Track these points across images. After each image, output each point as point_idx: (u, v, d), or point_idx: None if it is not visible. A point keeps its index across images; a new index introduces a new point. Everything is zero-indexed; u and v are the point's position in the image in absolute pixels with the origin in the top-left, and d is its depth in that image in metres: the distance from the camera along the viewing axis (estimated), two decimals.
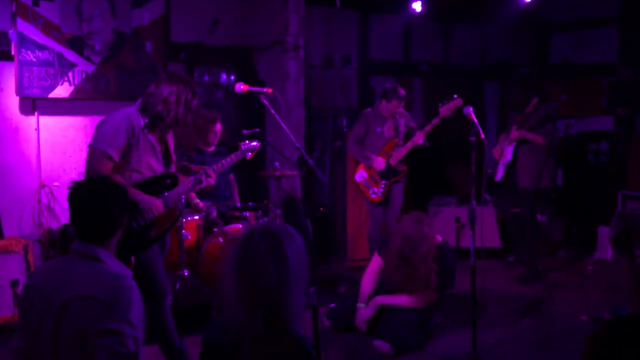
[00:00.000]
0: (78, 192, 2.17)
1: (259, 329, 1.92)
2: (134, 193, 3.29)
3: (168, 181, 3.46)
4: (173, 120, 3.36)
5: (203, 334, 2.08)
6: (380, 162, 5.36)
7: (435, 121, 5.17)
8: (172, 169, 3.59)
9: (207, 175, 3.58)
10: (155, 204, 3.34)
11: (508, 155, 5.51)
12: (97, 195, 2.16)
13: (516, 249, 6.16)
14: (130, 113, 3.36)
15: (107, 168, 3.26)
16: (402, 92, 5.33)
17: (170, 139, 3.58)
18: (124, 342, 1.97)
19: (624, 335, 1.46)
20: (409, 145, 5.31)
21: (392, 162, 5.36)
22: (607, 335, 1.47)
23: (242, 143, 3.97)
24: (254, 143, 3.97)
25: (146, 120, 3.35)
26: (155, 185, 3.41)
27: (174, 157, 3.62)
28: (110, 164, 3.27)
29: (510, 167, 5.54)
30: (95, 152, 3.26)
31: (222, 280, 2.00)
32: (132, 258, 3.30)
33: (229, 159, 3.80)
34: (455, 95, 5.13)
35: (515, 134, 5.42)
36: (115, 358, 1.95)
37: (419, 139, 5.27)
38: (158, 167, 3.44)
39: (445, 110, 5.12)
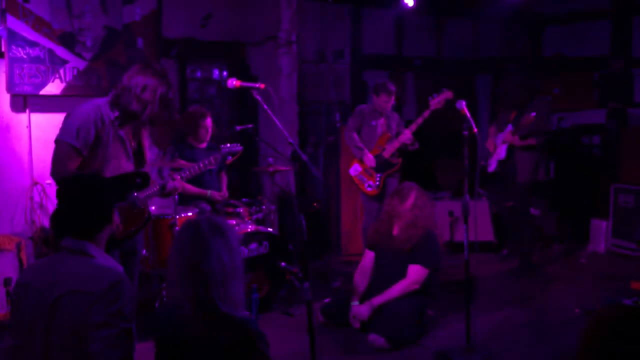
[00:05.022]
0: (65, 188, 2.19)
1: (205, 314, 2.00)
2: None
3: (138, 180, 3.27)
4: (148, 117, 3.16)
5: (151, 330, 2.14)
6: (370, 159, 5.38)
7: (426, 114, 5.18)
8: (145, 168, 3.40)
9: (173, 179, 3.44)
10: (117, 224, 3.07)
11: (502, 153, 5.52)
12: (84, 190, 2.17)
13: (510, 243, 6.18)
14: (100, 104, 3.14)
15: (74, 163, 3.05)
16: (390, 87, 5.36)
17: (146, 137, 3.40)
18: (117, 334, 1.99)
19: (618, 323, 1.47)
20: (401, 138, 5.32)
21: (386, 155, 5.37)
22: (602, 323, 1.49)
23: (223, 145, 3.81)
24: (237, 147, 3.80)
25: (117, 114, 3.14)
26: (124, 183, 3.22)
27: (147, 155, 3.44)
28: (78, 158, 3.06)
29: (505, 162, 5.54)
30: (61, 145, 3.05)
31: (170, 271, 2.11)
32: None
33: (207, 162, 3.64)
34: (445, 89, 5.14)
35: (514, 139, 5.39)
36: (109, 351, 1.97)
37: (409, 132, 5.28)
38: (127, 165, 3.25)
39: (435, 103, 5.14)
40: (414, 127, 5.28)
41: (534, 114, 5.08)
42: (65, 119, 3.13)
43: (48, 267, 2.15)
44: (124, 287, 2.05)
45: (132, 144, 3.28)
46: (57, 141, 3.10)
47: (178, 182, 3.48)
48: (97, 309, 1.98)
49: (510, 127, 5.46)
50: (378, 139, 5.44)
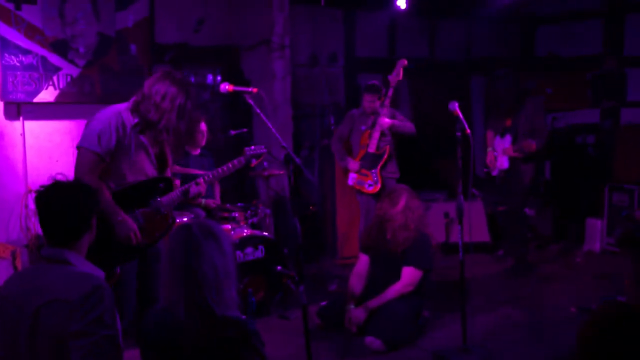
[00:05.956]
0: (43, 195, 2.15)
1: (199, 316, 2.01)
2: (114, 211, 3.08)
3: (161, 185, 3.29)
4: (165, 127, 3.18)
5: (140, 330, 2.14)
6: (353, 164, 5.39)
7: (390, 92, 5.19)
8: (168, 173, 3.42)
9: (197, 184, 3.44)
10: (135, 232, 3.11)
11: (504, 163, 5.52)
12: (59, 197, 2.13)
13: (506, 243, 6.19)
14: (121, 110, 3.17)
15: (97, 170, 3.07)
16: (376, 86, 5.33)
17: (167, 143, 3.41)
18: (98, 342, 1.94)
19: (616, 321, 1.49)
20: (378, 127, 5.28)
21: (371, 150, 5.34)
22: (600, 321, 1.50)
23: (247, 148, 3.70)
24: (262, 149, 3.69)
25: (137, 120, 3.17)
26: (147, 189, 3.25)
27: (170, 160, 3.45)
28: (100, 164, 3.07)
29: (509, 171, 5.53)
30: (83, 152, 3.08)
31: (164, 275, 2.11)
32: (118, 268, 3.18)
33: (230, 165, 3.59)
34: (398, 60, 5.16)
35: (516, 154, 5.41)
36: (90, 359, 1.92)
37: (382, 117, 5.25)
38: (151, 170, 3.28)
39: (394, 77, 5.16)
40: (385, 110, 5.25)
41: (534, 143, 5.13)
42: (87, 125, 3.15)
43: (28, 277, 2.12)
44: (104, 293, 2.00)
45: (154, 150, 3.30)
46: (78, 148, 3.12)
47: (202, 187, 3.48)
48: (75, 318, 1.94)
49: (509, 137, 5.46)
50: (360, 140, 5.45)
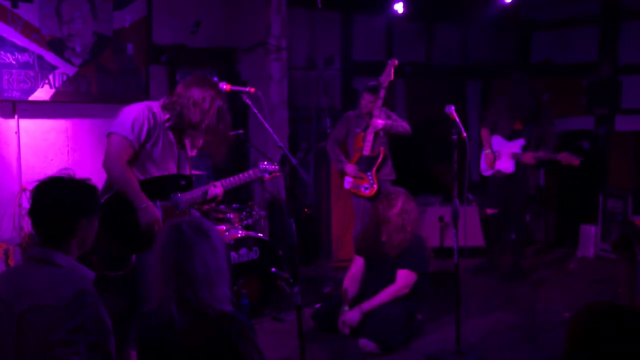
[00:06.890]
0: (36, 191, 2.06)
1: (192, 313, 2.01)
2: (139, 198, 3.13)
3: (183, 182, 3.36)
4: (205, 126, 3.26)
5: (137, 333, 2.14)
6: (350, 168, 5.37)
7: (382, 93, 5.18)
8: (187, 171, 3.49)
9: (214, 187, 3.51)
10: (158, 220, 3.16)
11: (510, 167, 5.52)
12: (51, 194, 2.04)
13: (500, 247, 6.19)
14: (152, 105, 3.27)
15: (127, 155, 3.14)
16: (376, 87, 5.32)
17: (189, 144, 3.48)
18: (79, 351, 1.85)
19: (602, 318, 1.50)
20: (371, 129, 5.28)
21: (366, 152, 5.33)
22: (587, 318, 1.52)
23: (261, 162, 3.80)
24: (275, 167, 3.76)
25: (167, 117, 3.26)
26: (168, 183, 3.31)
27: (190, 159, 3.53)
28: (131, 151, 3.14)
29: (514, 175, 5.54)
30: (114, 138, 3.15)
31: (155, 274, 2.10)
32: (134, 257, 3.20)
33: (246, 175, 3.67)
34: (389, 60, 5.16)
35: (533, 161, 5.42)
36: None
37: (375, 119, 5.25)
38: (173, 167, 3.35)
39: (385, 78, 5.15)
40: (376, 111, 5.24)
41: (577, 159, 5.17)
42: (118, 115, 3.22)
43: (14, 278, 2.04)
44: (87, 300, 1.90)
45: (178, 148, 3.38)
46: (110, 134, 3.18)
47: (219, 189, 3.53)
48: (57, 325, 1.86)
49: (521, 141, 5.46)
50: (355, 143, 5.45)
